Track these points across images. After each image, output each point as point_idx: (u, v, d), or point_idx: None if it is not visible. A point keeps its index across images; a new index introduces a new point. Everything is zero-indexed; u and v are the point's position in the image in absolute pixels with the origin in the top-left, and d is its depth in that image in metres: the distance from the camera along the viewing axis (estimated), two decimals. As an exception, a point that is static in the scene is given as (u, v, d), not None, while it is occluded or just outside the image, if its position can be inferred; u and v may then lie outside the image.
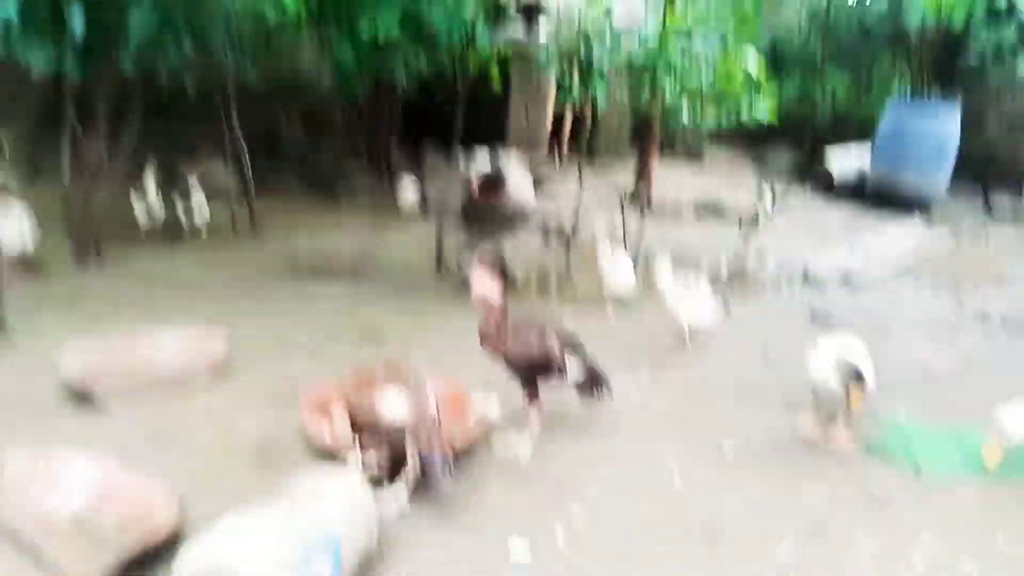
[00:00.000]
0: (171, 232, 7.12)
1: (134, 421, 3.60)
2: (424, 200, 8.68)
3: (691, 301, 5.05)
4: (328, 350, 4.60)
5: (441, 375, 3.80)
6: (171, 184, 7.58)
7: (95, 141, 6.07)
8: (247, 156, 7.60)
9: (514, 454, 3.48)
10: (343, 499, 2.52)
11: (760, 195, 9.49)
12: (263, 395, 3.93)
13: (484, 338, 3.57)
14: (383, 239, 7.72)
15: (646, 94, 6.32)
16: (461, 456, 3.29)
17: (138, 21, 5.36)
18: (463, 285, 5.76)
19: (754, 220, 8.91)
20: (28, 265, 5.70)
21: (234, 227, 7.51)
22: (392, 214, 8.79)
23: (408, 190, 8.79)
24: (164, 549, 2.62)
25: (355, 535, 2.43)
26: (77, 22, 5.12)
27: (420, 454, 2.92)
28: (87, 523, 2.73)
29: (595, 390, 3.70)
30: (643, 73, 6.50)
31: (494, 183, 8.46)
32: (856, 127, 13.66)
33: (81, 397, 3.75)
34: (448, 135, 8.19)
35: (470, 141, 6.93)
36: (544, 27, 10.31)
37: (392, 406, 2.98)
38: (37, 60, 5.26)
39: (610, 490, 3.30)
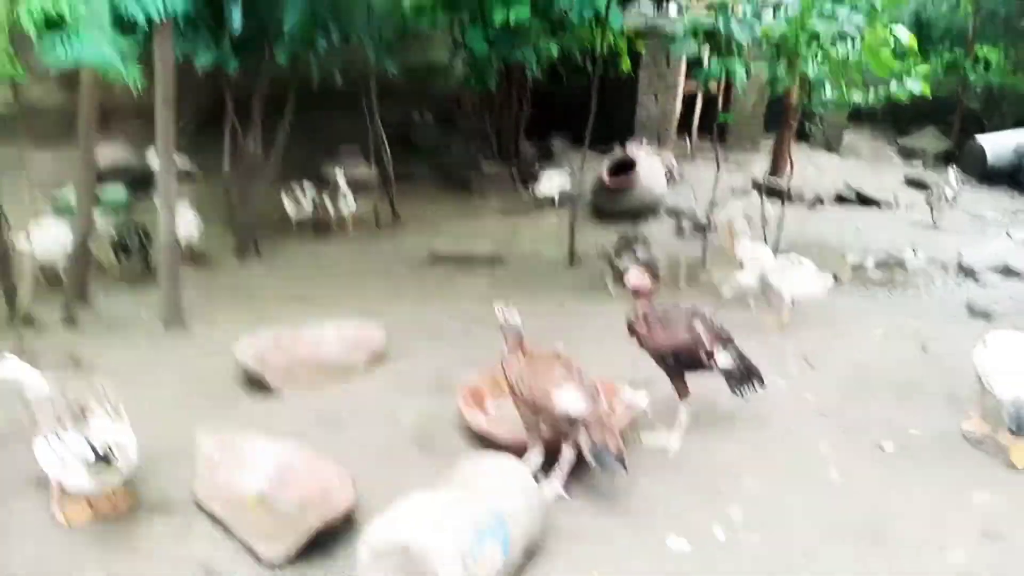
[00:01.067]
0: (319, 224, 7.49)
1: (303, 406, 3.83)
2: (554, 189, 8.74)
3: (792, 274, 4.98)
4: (475, 338, 4.73)
5: (587, 365, 3.86)
6: (317, 178, 7.99)
7: (252, 138, 6.46)
8: (387, 149, 7.88)
9: (663, 447, 3.49)
10: (512, 486, 2.62)
11: (938, 185, 8.95)
12: (420, 382, 4.09)
13: (631, 327, 3.59)
14: (517, 229, 7.86)
15: (786, 70, 6.06)
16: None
17: (290, 14, 5.65)
18: (605, 275, 5.81)
19: (934, 208, 8.49)
20: (196, 257, 6.15)
21: (377, 219, 7.81)
22: (523, 204, 8.90)
23: (540, 180, 8.87)
24: (341, 527, 2.79)
25: (523, 521, 2.51)
26: (236, 18, 5.46)
27: (594, 446, 2.97)
28: (271, 501, 2.95)
29: (746, 382, 3.65)
30: (783, 46, 6.24)
31: (625, 170, 8.45)
32: (1012, 106, 12.66)
33: (255, 383, 4.03)
34: (576, 123, 8.21)
35: (598, 127, 6.92)
36: (676, 3, 10.12)
37: (569, 400, 3.05)
38: (201, 56, 5.64)
39: (766, 486, 3.26)
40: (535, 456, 3.15)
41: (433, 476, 3.12)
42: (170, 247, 4.73)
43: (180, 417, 3.68)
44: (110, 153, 7.47)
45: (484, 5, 7.61)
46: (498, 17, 7.29)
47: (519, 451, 3.14)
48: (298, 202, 7.32)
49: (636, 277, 3.54)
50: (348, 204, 7.50)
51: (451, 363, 4.27)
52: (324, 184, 7.83)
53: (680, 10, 10.21)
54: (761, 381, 3.67)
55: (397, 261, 6.77)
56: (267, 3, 5.68)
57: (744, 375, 3.62)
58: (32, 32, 3.56)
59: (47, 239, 5.18)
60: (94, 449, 2.63)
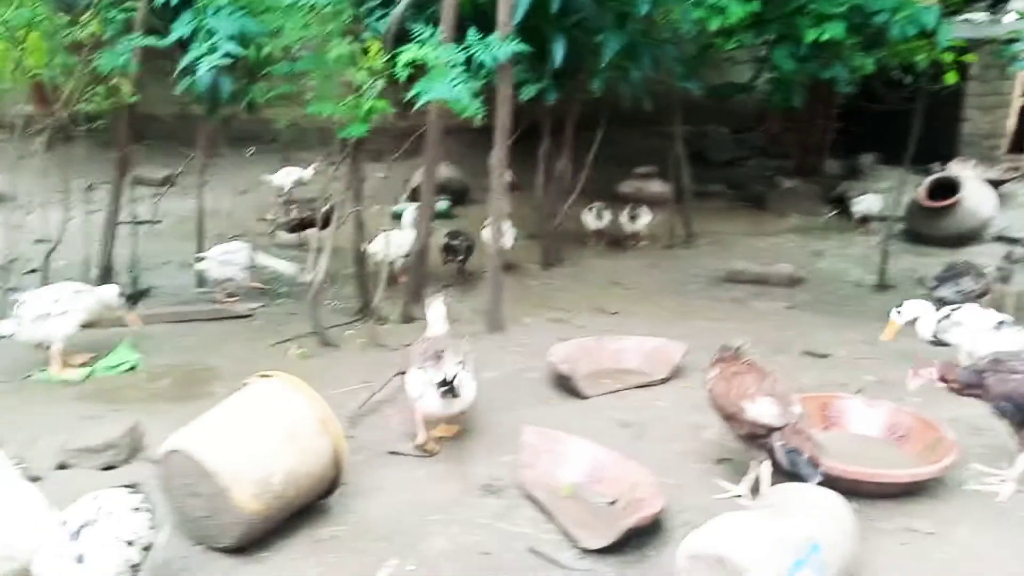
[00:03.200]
0: (615, 239, 7.84)
1: (608, 410, 4.12)
2: (868, 209, 8.29)
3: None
4: (774, 364, 4.71)
5: (898, 405, 3.73)
6: (614, 194, 8.35)
7: (564, 159, 6.96)
8: (686, 166, 8.02)
9: (993, 490, 3.27)
10: (827, 513, 2.65)
11: None
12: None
13: (946, 377, 3.39)
14: (818, 251, 7.61)
15: None
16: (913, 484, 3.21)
17: (610, 46, 6.02)
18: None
19: None
20: (508, 265, 6.75)
21: (671, 235, 7.99)
22: (825, 223, 8.57)
23: (852, 199, 8.45)
24: (650, 529, 3.00)
25: (838, 550, 2.54)
26: (559, 54, 5.95)
27: (788, 451, 2.96)
28: (585, 494, 3.25)
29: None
30: None
31: (945, 191, 7.80)
32: None
33: (563, 385, 4.39)
34: (888, 140, 7.74)
35: (917, 146, 6.48)
36: (1016, 11, 9.12)
37: (759, 408, 3.07)
38: (526, 90, 6.20)
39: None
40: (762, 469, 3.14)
41: (735, 493, 3.25)
42: (498, 256, 5.27)
43: (502, 408, 4.15)
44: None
45: (794, 24, 7.47)
46: (809, 36, 7.12)
47: (825, 480, 3.13)
48: (598, 217, 7.71)
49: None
50: (643, 220, 7.76)
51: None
52: (621, 200, 8.16)
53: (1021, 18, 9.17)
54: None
55: (690, 278, 6.89)
56: (586, 39, 6.10)
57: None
58: (401, 76, 4.22)
59: (392, 244, 6.01)
60: (445, 381, 3.40)
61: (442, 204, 8.02)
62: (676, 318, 5.67)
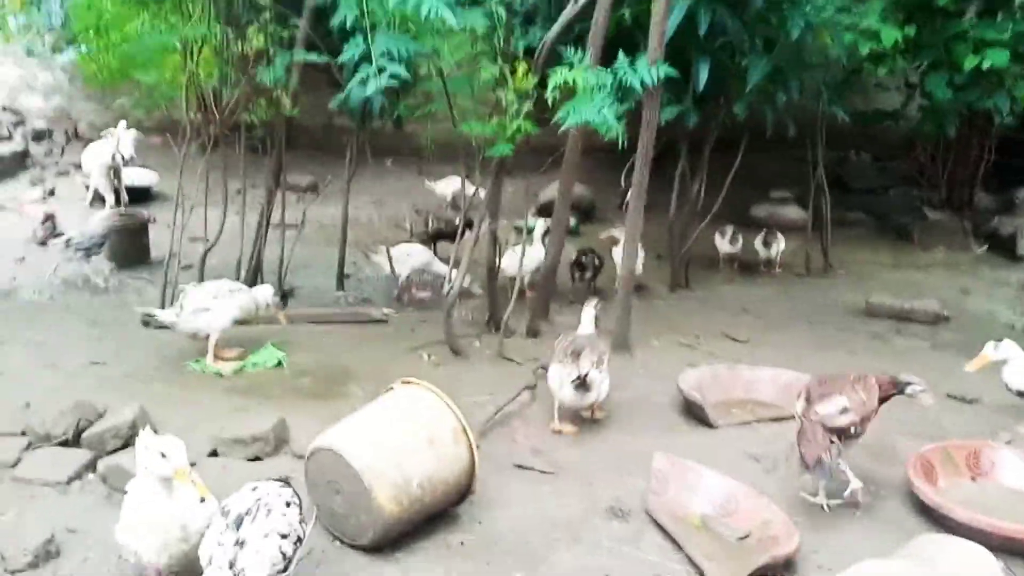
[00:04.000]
0: (747, 264, 7.66)
1: (738, 441, 4.04)
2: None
3: None
4: (913, 407, 4.49)
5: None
6: (747, 218, 8.15)
7: (699, 181, 6.87)
8: (827, 193, 7.74)
9: None
10: (972, 568, 2.52)
11: None
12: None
13: None
14: (966, 288, 7.18)
15: None
16: None
17: (757, 70, 5.91)
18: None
19: None
20: (636, 287, 6.72)
21: (807, 264, 7.72)
22: (975, 260, 8.08)
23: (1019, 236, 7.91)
24: (783, 569, 2.92)
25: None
26: (702, 78, 5.90)
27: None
28: (715, 526, 3.21)
29: None
30: None
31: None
32: None
33: (691, 412, 4.34)
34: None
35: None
36: None
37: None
38: (667, 112, 6.16)
39: None
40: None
41: (875, 542, 3.12)
42: (629, 276, 5.27)
43: (628, 431, 4.15)
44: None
45: (951, 50, 7.12)
46: (969, 63, 6.77)
47: (973, 534, 2.97)
48: (731, 241, 7.54)
49: None
50: (777, 246, 7.54)
51: (890, 429, 4.11)
52: (755, 225, 7.95)
53: None
54: None
55: (825, 310, 6.64)
56: (731, 62, 6.02)
57: None
58: (551, 98, 4.30)
59: (522, 260, 6.10)
60: (579, 377, 3.86)
61: (570, 222, 8.06)
62: (810, 350, 5.48)
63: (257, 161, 6.73)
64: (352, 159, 6.53)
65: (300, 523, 2.47)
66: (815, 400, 3.37)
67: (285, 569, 2.37)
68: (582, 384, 3.89)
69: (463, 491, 3.19)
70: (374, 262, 6.53)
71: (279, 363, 4.89)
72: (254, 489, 2.48)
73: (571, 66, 4.24)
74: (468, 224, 5.77)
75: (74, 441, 3.68)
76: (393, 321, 6.01)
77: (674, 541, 3.10)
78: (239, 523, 2.32)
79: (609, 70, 4.43)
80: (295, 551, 2.40)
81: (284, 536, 2.34)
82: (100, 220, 7.07)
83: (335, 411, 4.12)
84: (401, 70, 4.08)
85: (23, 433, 3.77)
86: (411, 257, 6.44)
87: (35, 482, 3.40)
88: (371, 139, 7.75)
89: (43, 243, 7.25)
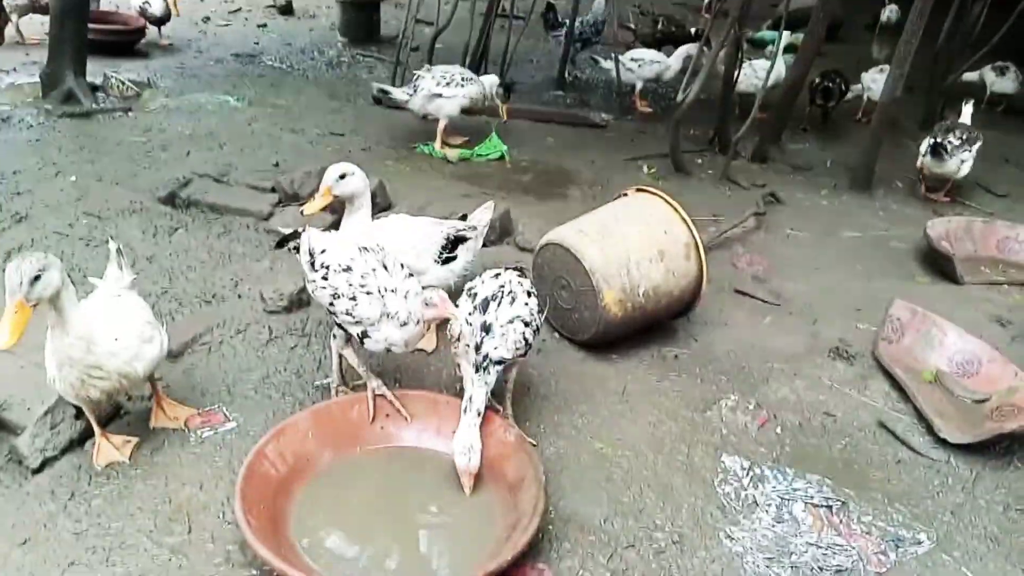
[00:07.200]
0: (1020, 108, 6.68)
1: (984, 303, 3.69)
2: None
3: None
4: None
5: None
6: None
7: (978, 3, 5.92)
8: None
9: None
10: None
11: None
12: None
13: None
14: None
15: None
16: None
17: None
18: None
19: None
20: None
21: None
22: None
23: None
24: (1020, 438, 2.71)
25: None
26: None
27: None
28: (952, 385, 3.00)
29: None
30: None
31: None
32: None
33: (934, 263, 3.97)
34: None
35: None
36: None
37: None
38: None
39: None
40: None
41: None
42: (888, 106, 4.74)
43: (860, 274, 3.89)
44: None
45: None
46: None
47: None
48: (1008, 79, 6.57)
49: None
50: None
51: None
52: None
53: None
54: None
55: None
56: None
57: None
58: None
59: (759, 75, 5.62)
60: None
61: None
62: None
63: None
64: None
65: (539, 312, 2.51)
66: None
67: (524, 355, 2.44)
68: (938, 151, 4.46)
69: (685, 306, 3.14)
70: (601, 67, 6.29)
71: (502, 155, 4.92)
72: (496, 276, 2.51)
73: None
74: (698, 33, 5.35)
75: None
76: (612, 128, 5.84)
77: (902, 391, 2.94)
78: (485, 306, 2.38)
79: None
80: (533, 338, 2.46)
81: (527, 324, 2.39)
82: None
83: (555, 209, 4.15)
84: None
85: (273, 189, 4.07)
86: (641, 68, 6.16)
87: (285, 236, 3.68)
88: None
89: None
